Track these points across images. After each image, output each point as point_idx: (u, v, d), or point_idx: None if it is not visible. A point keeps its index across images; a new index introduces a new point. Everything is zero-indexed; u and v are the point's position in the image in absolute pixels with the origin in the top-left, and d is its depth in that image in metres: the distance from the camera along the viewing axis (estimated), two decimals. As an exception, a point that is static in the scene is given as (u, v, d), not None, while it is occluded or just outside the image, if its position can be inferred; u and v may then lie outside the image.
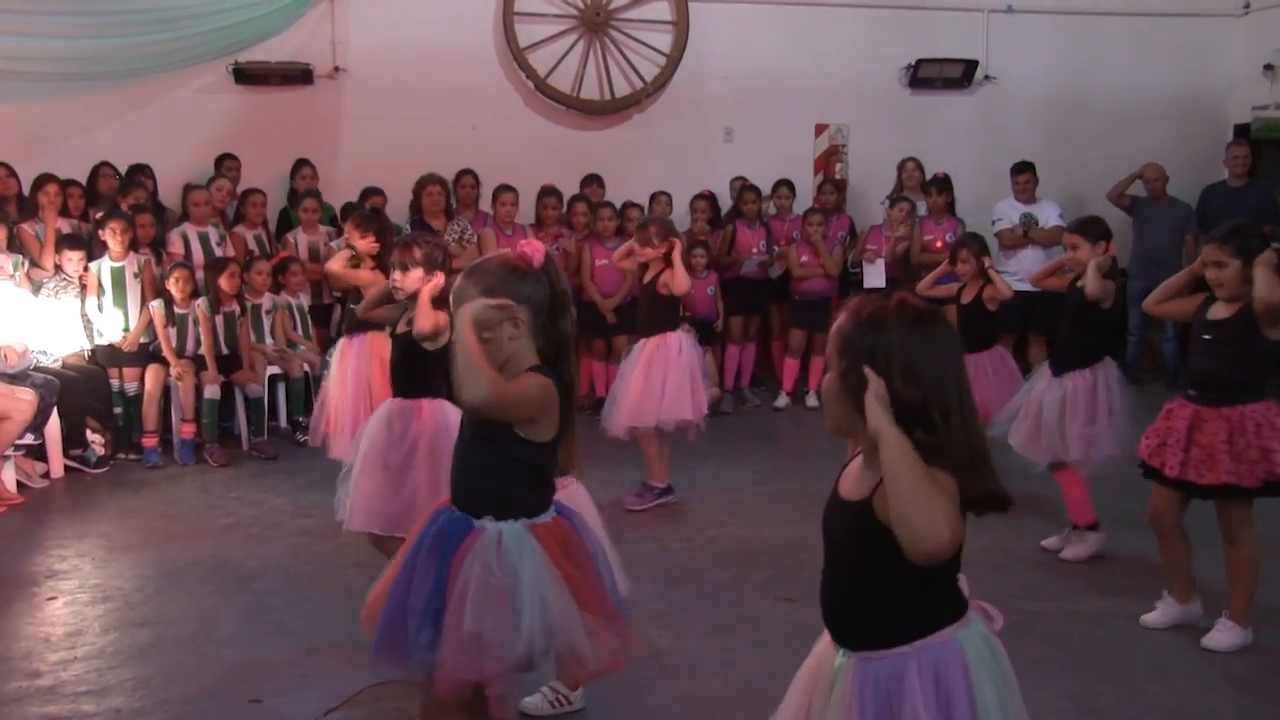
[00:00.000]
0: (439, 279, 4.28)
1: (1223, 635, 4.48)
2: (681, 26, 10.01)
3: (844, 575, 2.30)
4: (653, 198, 9.43)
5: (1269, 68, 10.71)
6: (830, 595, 2.33)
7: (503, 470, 2.87)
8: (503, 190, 8.81)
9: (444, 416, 4.32)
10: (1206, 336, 4.47)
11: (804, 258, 9.25)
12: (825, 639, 2.37)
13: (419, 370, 4.43)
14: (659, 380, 6.19)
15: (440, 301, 4.16)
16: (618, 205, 9.12)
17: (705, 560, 5.55)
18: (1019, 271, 9.09)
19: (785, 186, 9.64)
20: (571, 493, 3.49)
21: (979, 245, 6.64)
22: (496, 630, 2.75)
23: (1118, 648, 4.51)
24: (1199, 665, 4.33)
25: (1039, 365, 5.83)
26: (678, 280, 6.25)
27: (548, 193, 9.10)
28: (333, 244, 8.14)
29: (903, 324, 2.15)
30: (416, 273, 4.34)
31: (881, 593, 2.21)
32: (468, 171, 9.08)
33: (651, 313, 6.49)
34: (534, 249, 2.92)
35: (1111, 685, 4.17)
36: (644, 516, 6.23)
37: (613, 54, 10.01)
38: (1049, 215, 9.44)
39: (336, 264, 6.21)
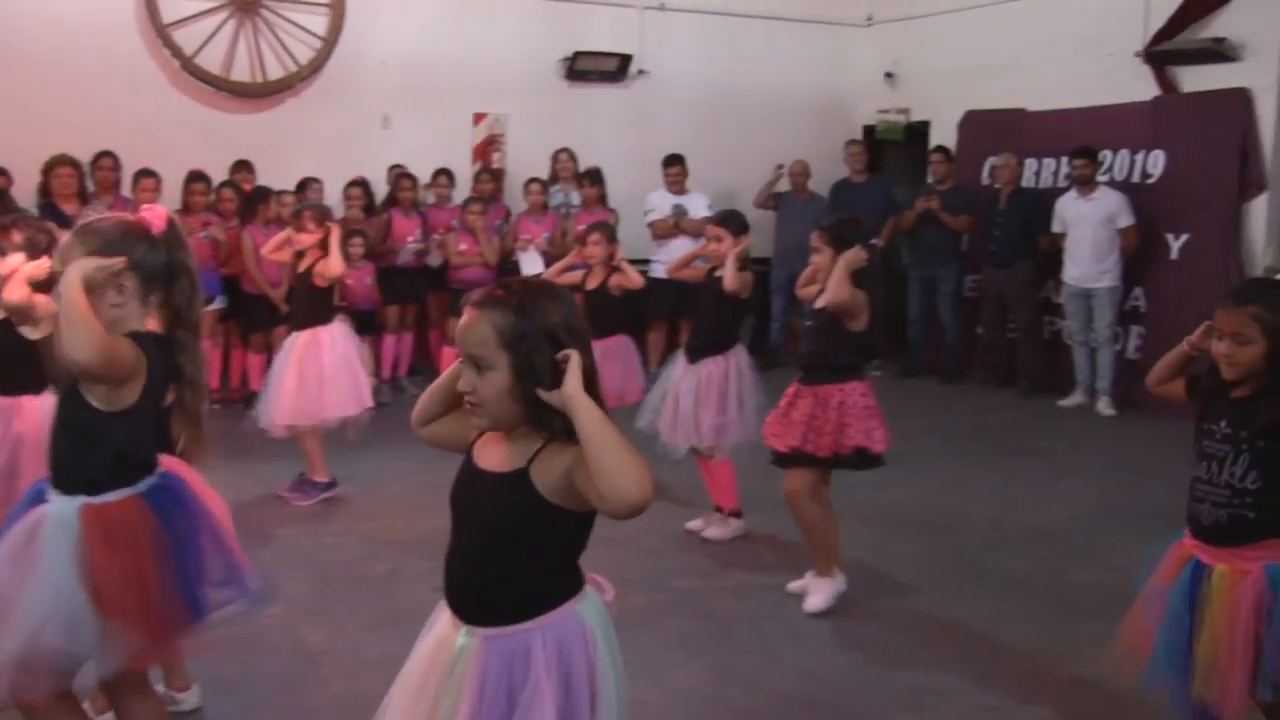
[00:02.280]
0: (43, 264, 3.93)
1: (816, 596, 4.85)
2: (338, 9, 9.79)
3: (483, 551, 2.29)
4: (303, 184, 9.18)
5: (889, 75, 11.64)
6: (463, 572, 2.33)
7: (76, 443, 2.80)
8: (143, 175, 8.37)
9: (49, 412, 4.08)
10: (809, 322, 4.89)
11: (462, 246, 9.28)
12: (445, 618, 2.36)
13: (18, 363, 4.13)
14: (314, 376, 6.05)
15: (44, 287, 3.89)
16: (268, 192, 8.84)
17: (362, 554, 5.50)
18: (670, 261, 9.47)
19: (444, 175, 9.65)
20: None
21: (609, 232, 6.81)
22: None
23: (760, 619, 4.79)
24: (829, 630, 4.67)
25: (674, 353, 6.10)
26: (333, 265, 6.15)
27: (195, 178, 8.72)
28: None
29: (552, 299, 2.22)
30: (16, 258, 4.02)
31: (522, 567, 2.25)
32: (106, 153, 8.57)
33: (306, 304, 6.32)
34: (155, 215, 2.84)
35: (754, 653, 4.44)
36: (298, 511, 6.12)
37: (265, 35, 9.68)
38: (698, 207, 9.87)
39: None
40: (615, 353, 6.51)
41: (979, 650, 4.51)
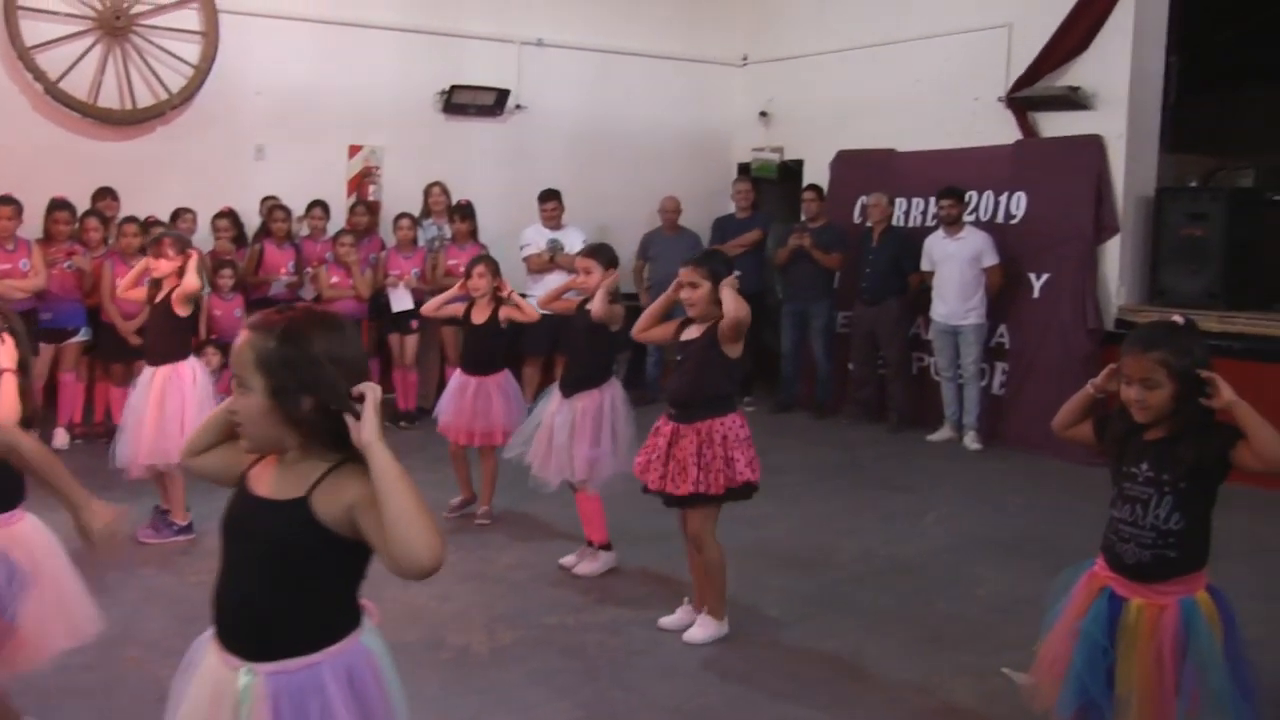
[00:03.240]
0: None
1: (700, 630, 4.89)
2: (211, 37, 9.64)
3: (264, 581, 2.20)
4: (175, 214, 8.98)
5: (763, 114, 11.87)
6: (240, 605, 2.23)
7: None
8: (2, 202, 8.09)
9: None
10: (679, 357, 4.92)
11: (334, 279, 9.16)
12: (213, 658, 2.24)
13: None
14: (176, 414, 5.85)
15: None
16: (134, 222, 8.63)
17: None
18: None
19: (319, 207, 9.54)
20: (18, 530, 3.30)
21: (494, 266, 6.77)
22: None
23: (630, 654, 4.79)
24: (699, 665, 4.70)
25: (549, 387, 6.11)
26: (189, 281, 5.99)
27: (59, 205, 8.46)
28: None
29: (324, 328, 2.19)
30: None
31: (306, 598, 2.19)
32: (-42, 180, 8.27)
33: (163, 336, 6.12)
34: None
35: (623, 690, 4.44)
36: (160, 550, 5.94)
37: (135, 61, 9.47)
38: (574, 242, 9.88)
39: None
40: (498, 389, 6.52)
41: (847, 681, 4.57)
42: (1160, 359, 3.08)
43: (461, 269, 9.40)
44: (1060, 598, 3.35)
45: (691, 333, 4.89)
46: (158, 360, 6.06)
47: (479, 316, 6.63)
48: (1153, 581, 3.15)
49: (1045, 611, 3.41)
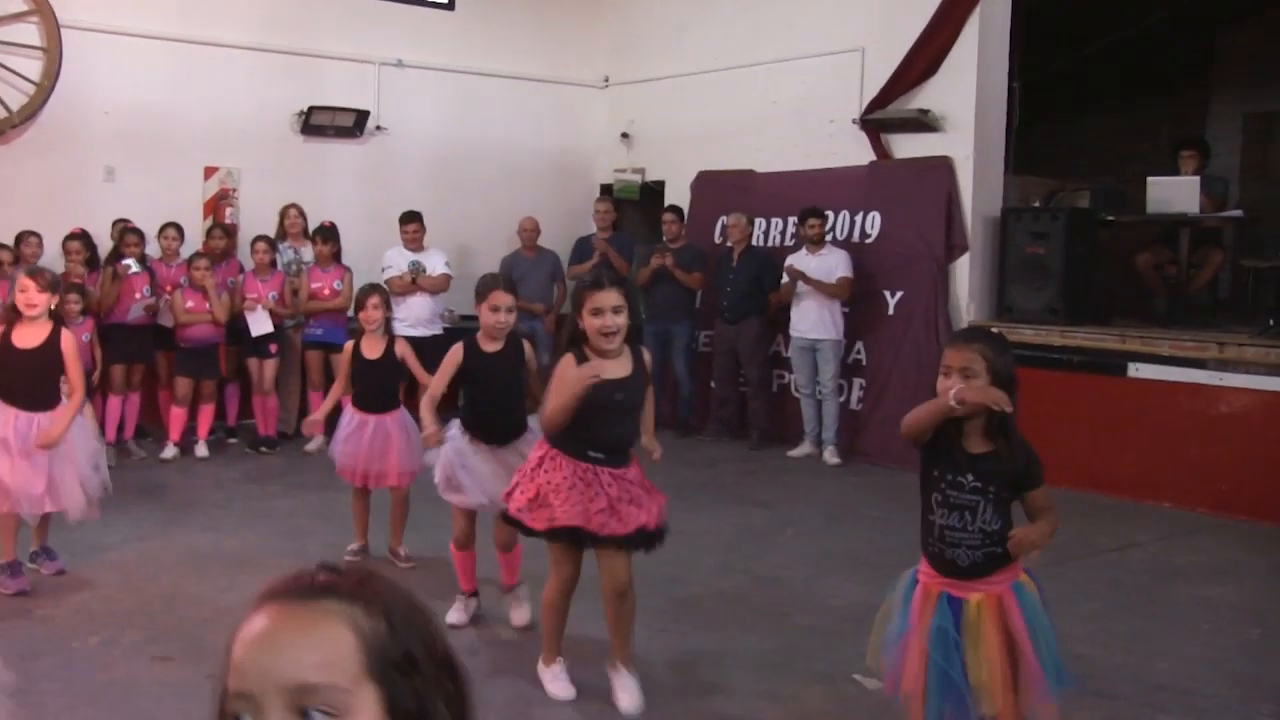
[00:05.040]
0: None
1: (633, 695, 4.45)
2: (53, 54, 9.37)
3: None
4: (19, 237, 8.71)
5: (625, 135, 11.98)
6: None
7: None
8: None
9: None
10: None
11: (189, 303, 8.96)
12: None
13: None
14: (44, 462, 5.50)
15: None
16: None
17: (73, 626, 5.21)
18: (408, 318, 9.47)
19: (172, 228, 9.31)
20: None
21: (386, 297, 6.45)
22: None
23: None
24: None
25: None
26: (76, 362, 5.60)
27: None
28: None
29: None
30: None
31: None
32: None
33: (44, 382, 5.60)
34: None
35: None
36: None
37: (-28, 78, 9.18)
38: (436, 264, 9.86)
39: None
40: (397, 427, 6.17)
41: (707, 696, 4.63)
42: (980, 350, 3.35)
43: (325, 292, 9.36)
44: (897, 612, 3.53)
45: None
46: (38, 406, 5.57)
47: (372, 351, 6.21)
48: (985, 576, 3.39)
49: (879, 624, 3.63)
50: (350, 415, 6.22)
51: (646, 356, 4.47)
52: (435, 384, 5.21)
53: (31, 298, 5.47)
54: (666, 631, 5.32)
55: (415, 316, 9.61)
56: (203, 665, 4.81)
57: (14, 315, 5.62)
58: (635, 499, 4.35)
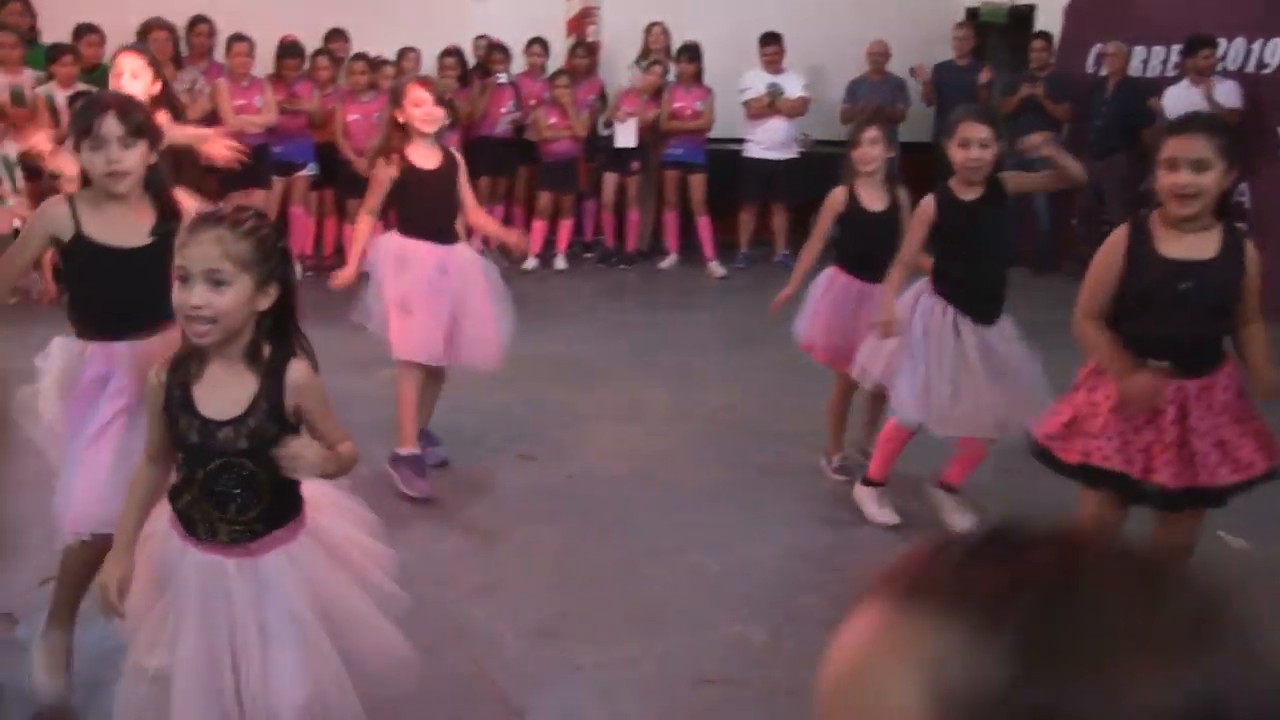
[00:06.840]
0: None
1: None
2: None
3: None
4: (400, 53, 9.15)
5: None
6: None
7: None
8: (236, 39, 8.31)
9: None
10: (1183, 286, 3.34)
11: (552, 119, 9.22)
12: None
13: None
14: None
15: None
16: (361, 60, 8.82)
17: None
18: (765, 140, 9.43)
19: (538, 44, 9.57)
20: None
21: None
22: None
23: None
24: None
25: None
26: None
27: (288, 46, 8.71)
28: (39, 89, 7.50)
29: None
30: None
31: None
32: (202, 19, 8.52)
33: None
34: None
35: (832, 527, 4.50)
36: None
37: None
38: (794, 86, 9.71)
39: None
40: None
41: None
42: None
43: (687, 111, 9.38)
44: None
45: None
46: (449, 238, 4.84)
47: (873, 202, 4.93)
48: None
49: None
50: (833, 281, 4.97)
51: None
52: (906, 246, 4.39)
53: (430, 111, 4.64)
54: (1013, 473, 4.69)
55: (771, 139, 9.53)
56: (563, 466, 5.11)
57: (402, 135, 4.70)
58: None
